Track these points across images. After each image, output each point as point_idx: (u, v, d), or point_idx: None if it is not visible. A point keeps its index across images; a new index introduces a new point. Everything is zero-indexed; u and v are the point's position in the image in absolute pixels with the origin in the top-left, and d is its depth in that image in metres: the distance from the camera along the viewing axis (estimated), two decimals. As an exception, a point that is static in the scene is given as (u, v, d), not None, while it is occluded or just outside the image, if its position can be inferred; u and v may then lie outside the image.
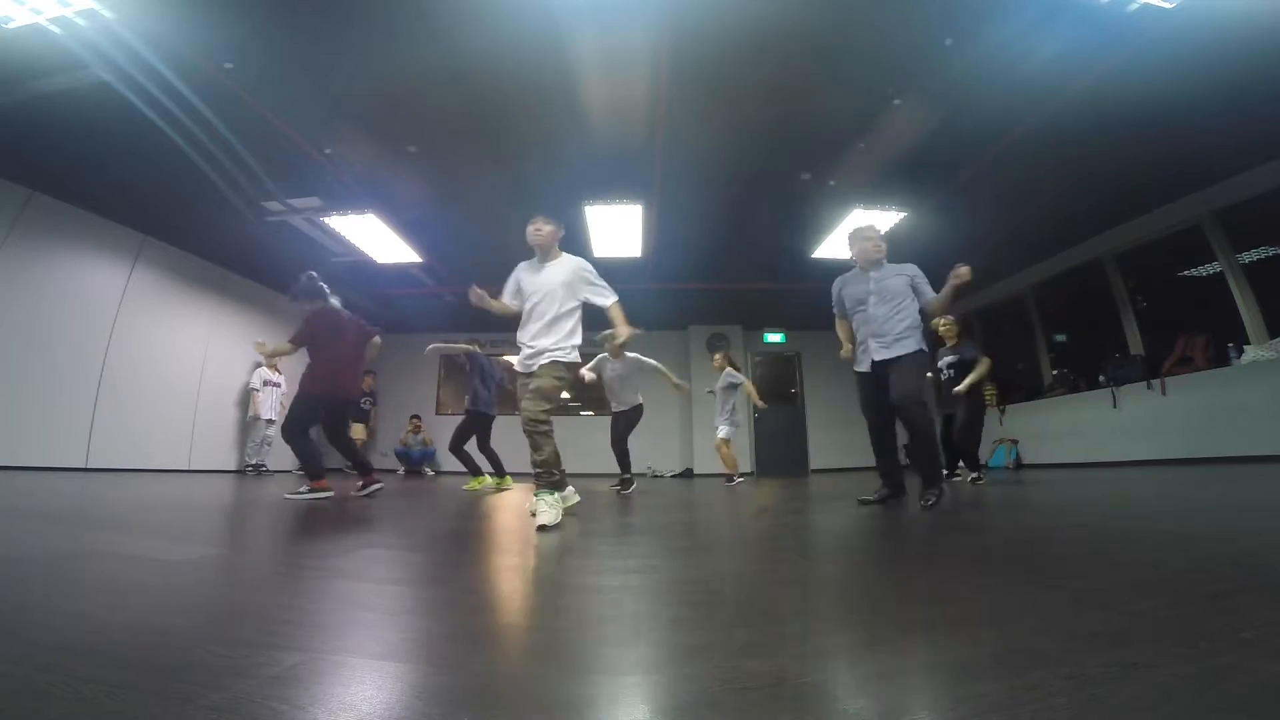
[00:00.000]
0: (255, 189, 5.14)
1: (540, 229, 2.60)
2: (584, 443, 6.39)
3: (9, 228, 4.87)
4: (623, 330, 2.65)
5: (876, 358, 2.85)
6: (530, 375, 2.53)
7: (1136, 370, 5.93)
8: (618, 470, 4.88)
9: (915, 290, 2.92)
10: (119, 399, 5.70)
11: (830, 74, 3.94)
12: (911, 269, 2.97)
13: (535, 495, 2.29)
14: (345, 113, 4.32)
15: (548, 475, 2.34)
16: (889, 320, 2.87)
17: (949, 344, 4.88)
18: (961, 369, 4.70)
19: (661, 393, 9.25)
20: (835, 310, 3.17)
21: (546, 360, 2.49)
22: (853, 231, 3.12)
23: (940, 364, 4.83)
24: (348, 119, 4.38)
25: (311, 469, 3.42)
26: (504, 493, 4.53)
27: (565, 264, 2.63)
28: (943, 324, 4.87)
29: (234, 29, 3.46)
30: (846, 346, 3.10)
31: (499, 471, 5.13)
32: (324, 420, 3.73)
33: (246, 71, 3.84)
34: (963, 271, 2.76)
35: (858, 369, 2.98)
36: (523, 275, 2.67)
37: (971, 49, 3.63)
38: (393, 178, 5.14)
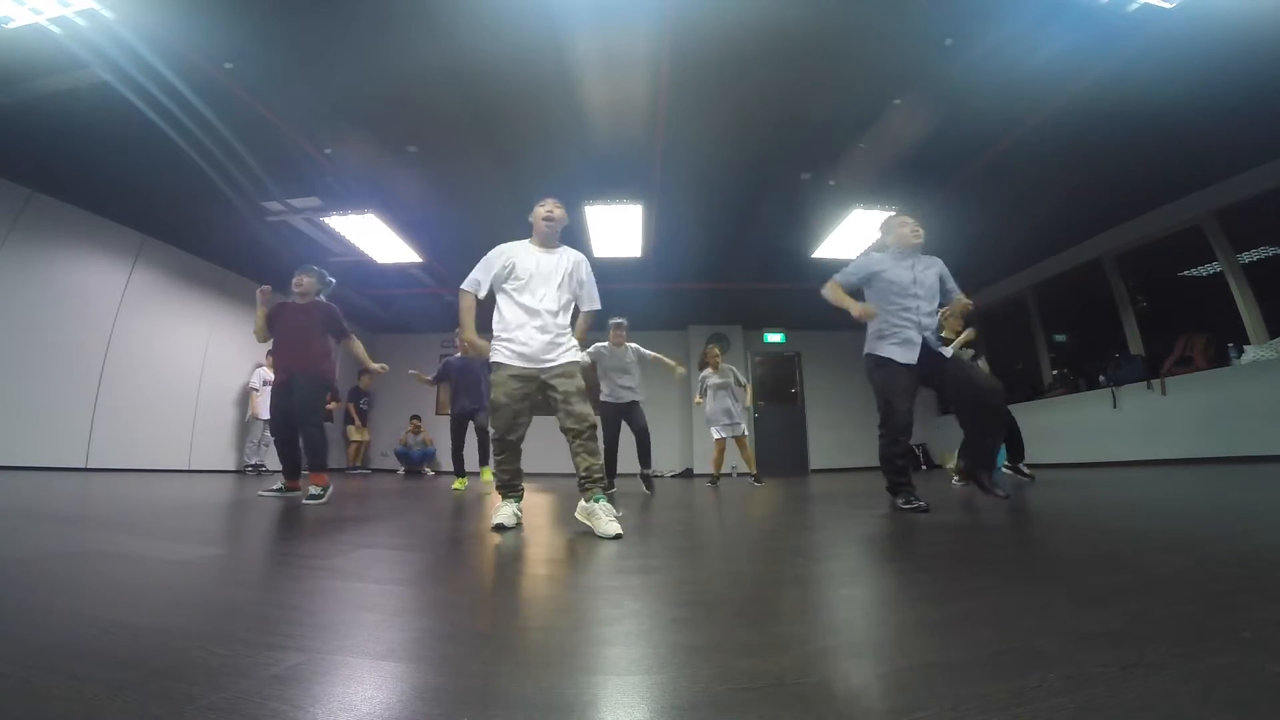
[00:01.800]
0: (255, 189, 5.14)
1: (553, 212, 2.40)
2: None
3: (9, 228, 4.87)
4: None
5: (943, 353, 2.74)
6: (541, 368, 2.26)
7: (1136, 370, 5.93)
8: (609, 471, 4.78)
9: (944, 284, 2.89)
10: (119, 399, 5.70)
11: (830, 74, 3.94)
12: (940, 262, 2.92)
13: (593, 501, 2.08)
14: (345, 113, 4.32)
15: (605, 480, 2.22)
16: (933, 316, 2.81)
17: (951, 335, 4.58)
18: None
19: (662, 392, 9.30)
20: (842, 279, 2.85)
21: (569, 360, 2.29)
22: (889, 218, 3.04)
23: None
24: (348, 119, 4.38)
25: (314, 462, 3.39)
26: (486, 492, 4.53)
27: (570, 254, 2.45)
28: (951, 321, 4.52)
29: (234, 29, 3.46)
30: (858, 306, 2.74)
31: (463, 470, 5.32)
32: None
33: (247, 71, 3.84)
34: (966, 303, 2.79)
35: (899, 359, 2.73)
36: (519, 256, 2.35)
37: (971, 49, 3.63)
38: (393, 178, 5.15)
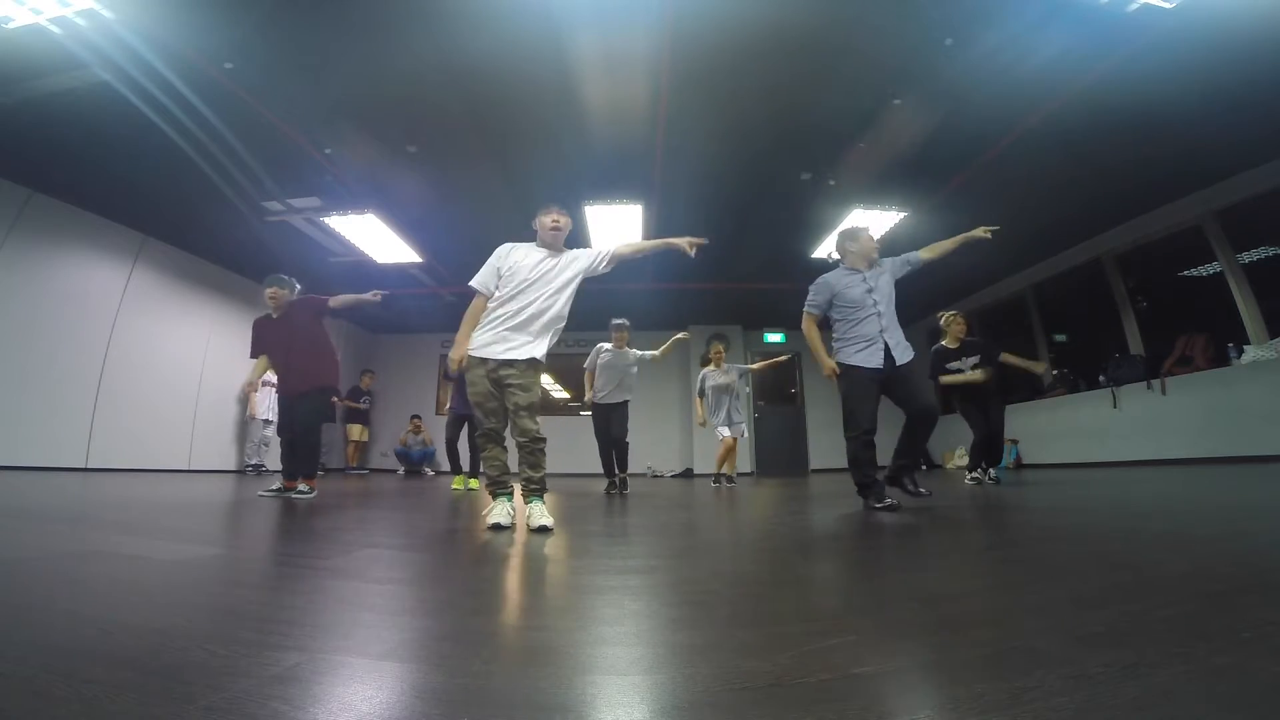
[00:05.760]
0: (255, 189, 5.14)
1: (558, 221, 2.40)
2: (584, 443, 6.40)
3: (9, 228, 4.87)
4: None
5: (901, 359, 2.82)
6: (506, 366, 2.30)
7: (1136, 370, 5.93)
8: (606, 471, 4.82)
9: (901, 272, 2.98)
10: (119, 399, 5.70)
11: (830, 74, 3.94)
12: (886, 262, 3.01)
13: (528, 502, 2.27)
14: (345, 113, 4.32)
15: (541, 488, 2.32)
16: (893, 318, 2.91)
17: (954, 343, 4.57)
18: (979, 363, 4.55)
19: (662, 393, 9.32)
20: (815, 310, 3.01)
21: (530, 357, 2.29)
22: (846, 230, 3.10)
23: (957, 366, 4.54)
24: (348, 119, 4.39)
25: (286, 468, 3.51)
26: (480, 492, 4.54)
27: (570, 255, 2.45)
28: (953, 320, 4.61)
29: (234, 29, 3.46)
30: (829, 363, 2.96)
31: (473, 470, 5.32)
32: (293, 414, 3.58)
33: (246, 71, 3.84)
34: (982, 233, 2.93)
35: (865, 364, 2.83)
36: (519, 256, 2.39)
37: (971, 49, 3.63)
38: (393, 178, 5.15)
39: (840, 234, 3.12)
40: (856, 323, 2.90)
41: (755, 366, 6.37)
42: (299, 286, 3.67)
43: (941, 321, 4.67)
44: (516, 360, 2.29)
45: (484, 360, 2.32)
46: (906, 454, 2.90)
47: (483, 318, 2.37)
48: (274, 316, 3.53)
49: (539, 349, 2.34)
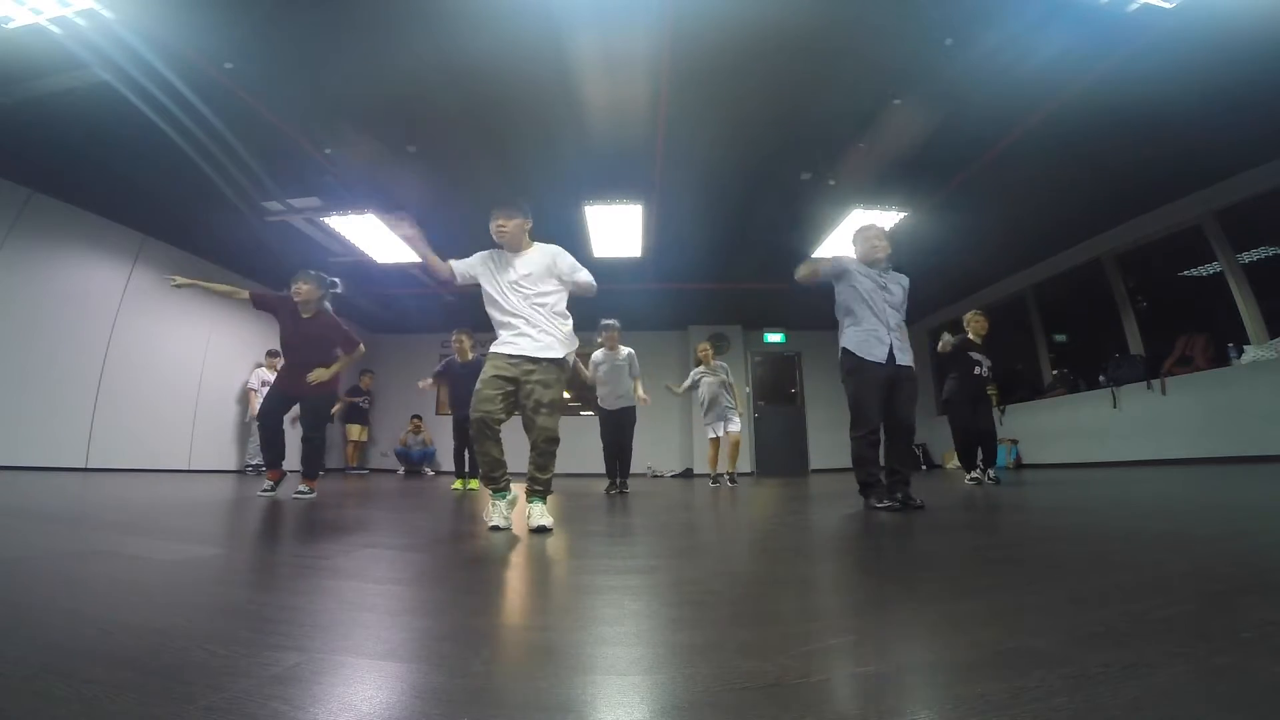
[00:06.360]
0: (255, 189, 5.14)
1: (503, 225, 2.45)
2: (584, 443, 6.40)
3: (9, 228, 4.87)
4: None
5: (900, 360, 2.88)
6: (529, 362, 2.31)
7: (1136, 370, 5.93)
8: (609, 473, 4.88)
9: (904, 300, 3.06)
10: (119, 399, 5.70)
11: (830, 74, 3.94)
12: (906, 281, 3.08)
13: (529, 501, 2.27)
14: (345, 113, 4.32)
15: (546, 490, 2.33)
16: (900, 322, 2.97)
17: (979, 340, 4.73)
18: (993, 370, 4.73)
19: (661, 393, 9.29)
20: (830, 269, 3.02)
21: (551, 357, 2.32)
22: (859, 229, 3.17)
23: (978, 358, 4.69)
24: (348, 119, 4.38)
25: (267, 457, 3.57)
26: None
27: (542, 250, 2.50)
28: (974, 318, 4.79)
29: (234, 29, 3.46)
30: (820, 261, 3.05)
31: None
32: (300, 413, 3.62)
33: (246, 71, 3.84)
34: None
35: (868, 356, 2.87)
36: (493, 262, 2.50)
37: (971, 49, 3.62)
38: (393, 178, 5.14)
39: (854, 233, 3.20)
40: (867, 315, 2.94)
41: (734, 391, 6.06)
42: (335, 282, 3.66)
43: (965, 318, 4.82)
44: (539, 359, 2.33)
45: (508, 355, 2.34)
46: (894, 469, 2.91)
47: (501, 318, 2.43)
48: (303, 315, 3.52)
49: (559, 350, 2.36)
